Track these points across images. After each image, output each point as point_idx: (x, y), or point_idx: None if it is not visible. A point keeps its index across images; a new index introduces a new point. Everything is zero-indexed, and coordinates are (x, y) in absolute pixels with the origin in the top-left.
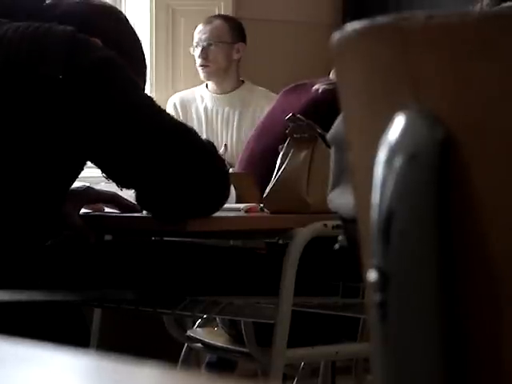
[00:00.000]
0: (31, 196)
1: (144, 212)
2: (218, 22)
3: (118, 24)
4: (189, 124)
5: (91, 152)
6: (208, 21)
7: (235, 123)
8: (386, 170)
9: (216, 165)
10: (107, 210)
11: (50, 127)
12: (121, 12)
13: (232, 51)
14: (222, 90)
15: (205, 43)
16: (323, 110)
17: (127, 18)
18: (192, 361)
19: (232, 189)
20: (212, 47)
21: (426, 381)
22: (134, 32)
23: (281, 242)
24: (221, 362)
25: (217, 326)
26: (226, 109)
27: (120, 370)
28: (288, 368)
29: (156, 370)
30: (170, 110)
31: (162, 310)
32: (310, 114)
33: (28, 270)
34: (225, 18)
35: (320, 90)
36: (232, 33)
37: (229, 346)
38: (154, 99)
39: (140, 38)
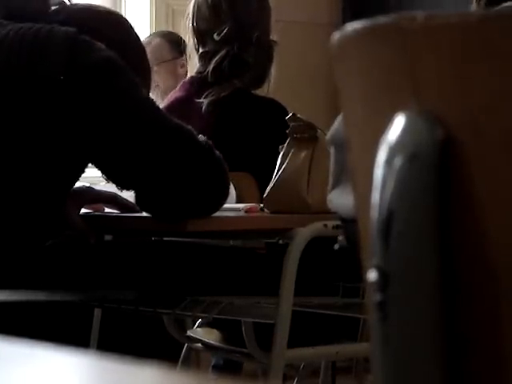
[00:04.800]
0: (32, 196)
1: (144, 212)
2: (156, 40)
3: (121, 30)
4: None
5: (92, 153)
6: (147, 41)
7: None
8: (386, 170)
9: (215, 164)
10: (107, 210)
11: (51, 128)
12: (124, 18)
13: (176, 67)
14: None
15: None
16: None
17: (130, 23)
18: (192, 361)
19: (232, 189)
20: (155, 68)
21: (425, 380)
22: (138, 38)
23: (281, 242)
24: (227, 365)
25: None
26: None
27: (120, 370)
28: (288, 368)
29: (156, 370)
30: None
31: (162, 310)
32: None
33: (28, 269)
34: (162, 34)
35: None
36: (172, 48)
37: (229, 347)
38: (155, 100)
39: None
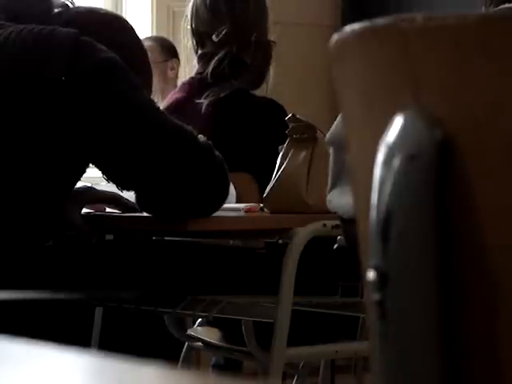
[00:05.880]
0: (34, 197)
1: (144, 212)
2: (147, 43)
3: (123, 32)
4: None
5: (92, 153)
6: None
7: None
8: (385, 171)
9: (215, 165)
10: (108, 210)
11: (53, 128)
12: (126, 20)
13: (166, 70)
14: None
15: None
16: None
17: (132, 26)
18: (192, 360)
19: (232, 188)
20: None
21: (425, 379)
22: (139, 40)
23: (280, 241)
24: (227, 364)
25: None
26: None
27: (121, 369)
28: (288, 367)
29: (157, 369)
30: None
31: (163, 309)
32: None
33: (30, 269)
34: (153, 38)
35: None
36: (163, 51)
37: (229, 345)
38: (155, 101)
39: (145, 48)
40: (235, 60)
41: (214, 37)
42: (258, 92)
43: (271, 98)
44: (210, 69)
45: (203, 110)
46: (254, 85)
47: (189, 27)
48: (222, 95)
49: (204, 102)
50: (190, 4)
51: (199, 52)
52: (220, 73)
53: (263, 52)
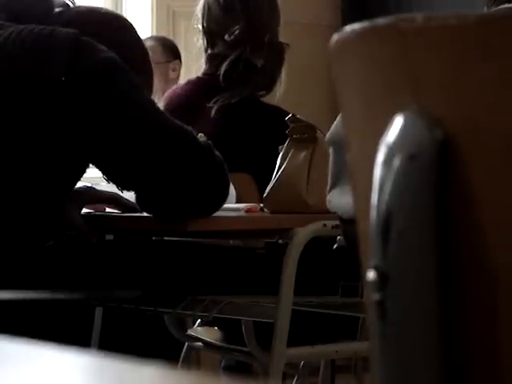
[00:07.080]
0: (34, 197)
1: (144, 212)
2: (149, 43)
3: (124, 32)
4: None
5: (92, 153)
6: None
7: None
8: (386, 171)
9: (214, 165)
10: (108, 210)
11: (53, 129)
12: (127, 20)
13: (168, 71)
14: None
15: None
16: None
17: (133, 25)
18: (192, 360)
19: (232, 189)
20: None
21: (425, 379)
22: (140, 40)
23: (280, 241)
24: (238, 365)
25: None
26: None
27: (121, 369)
28: (288, 367)
29: (157, 370)
30: None
31: (163, 309)
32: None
33: (30, 269)
34: (156, 38)
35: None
36: (165, 52)
37: (229, 346)
38: (155, 101)
39: (146, 47)
40: (249, 62)
41: (226, 36)
42: (270, 95)
43: (279, 107)
44: (222, 70)
45: (212, 114)
46: (268, 87)
47: (199, 26)
48: (233, 101)
49: (213, 106)
50: (201, 2)
51: (209, 52)
52: (234, 76)
53: (276, 54)
